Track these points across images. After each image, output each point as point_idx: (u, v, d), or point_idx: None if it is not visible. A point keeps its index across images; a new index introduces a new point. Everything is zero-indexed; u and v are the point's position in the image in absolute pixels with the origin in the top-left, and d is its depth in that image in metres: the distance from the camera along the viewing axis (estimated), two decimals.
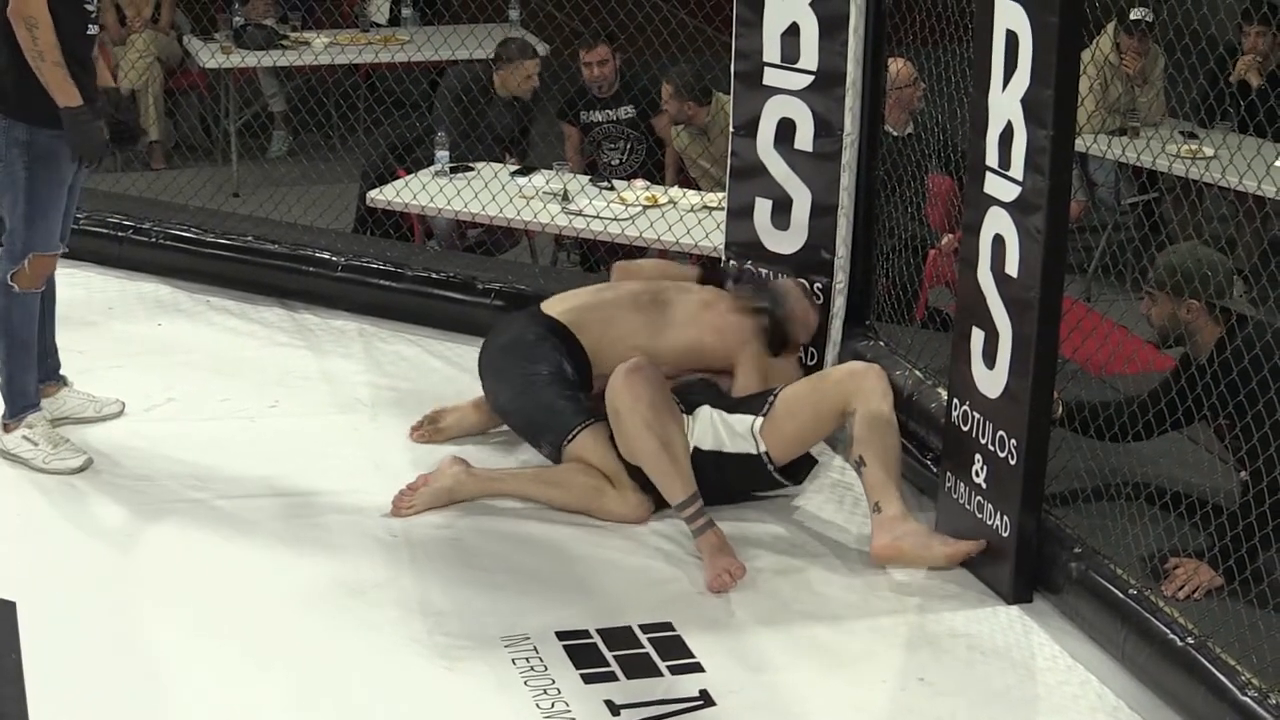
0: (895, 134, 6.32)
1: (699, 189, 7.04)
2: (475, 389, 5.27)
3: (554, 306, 5.19)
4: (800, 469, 4.89)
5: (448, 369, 5.87)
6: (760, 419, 4.78)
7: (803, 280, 5.41)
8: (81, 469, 5.00)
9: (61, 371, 5.38)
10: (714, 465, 4.76)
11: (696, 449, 4.76)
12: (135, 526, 4.71)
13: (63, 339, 5.34)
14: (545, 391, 4.95)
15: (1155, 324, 4.41)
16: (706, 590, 4.46)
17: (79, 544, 4.62)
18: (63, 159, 4.87)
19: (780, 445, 4.78)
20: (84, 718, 3.79)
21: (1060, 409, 4.57)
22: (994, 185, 4.38)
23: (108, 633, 4.16)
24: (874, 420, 4.68)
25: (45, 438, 5.04)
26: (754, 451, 4.78)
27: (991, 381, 4.45)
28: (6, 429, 5.07)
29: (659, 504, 4.80)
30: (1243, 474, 4.16)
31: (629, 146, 7.47)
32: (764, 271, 5.56)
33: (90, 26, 4.91)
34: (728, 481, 4.84)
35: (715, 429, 4.79)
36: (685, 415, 4.81)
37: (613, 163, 7.45)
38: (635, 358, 4.77)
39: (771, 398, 4.81)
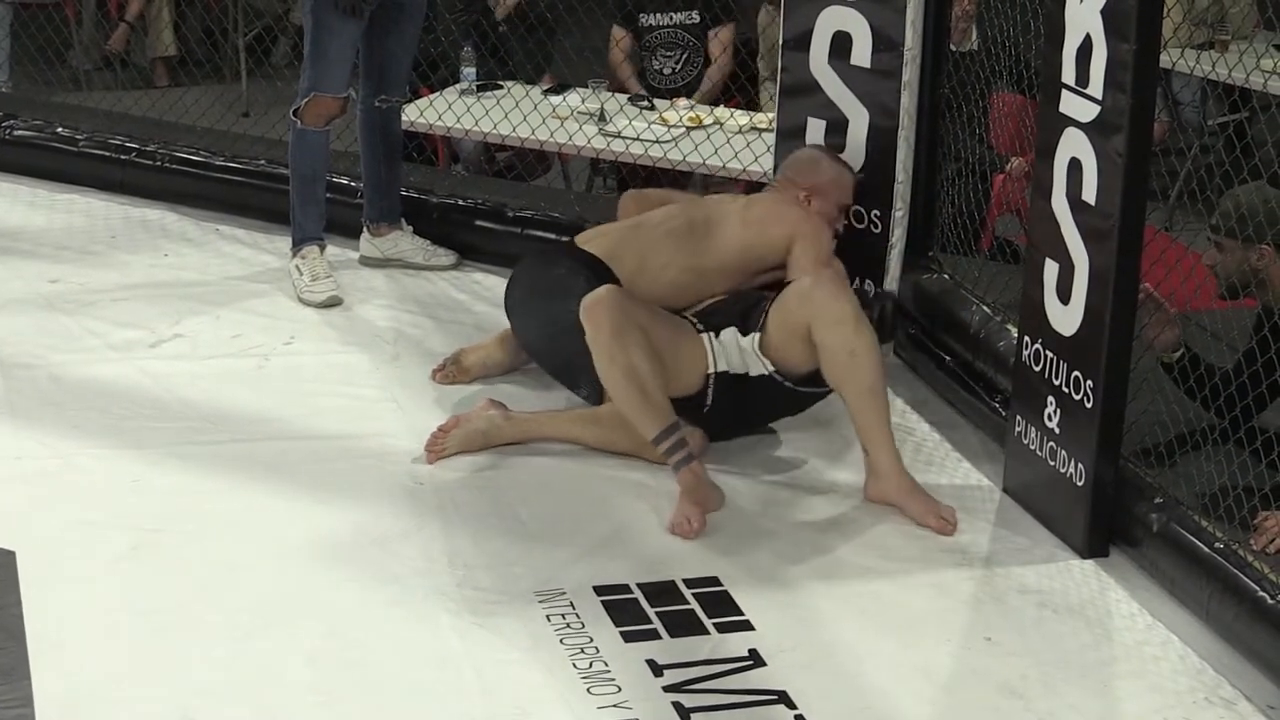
0: (956, 49, 6.26)
1: (754, 101, 7.00)
2: (504, 323, 5.29)
3: (587, 240, 5.19)
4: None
5: (476, 303, 5.88)
6: (757, 335, 4.78)
7: (821, 145, 5.40)
8: (327, 304, 5.74)
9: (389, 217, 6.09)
10: (738, 389, 4.77)
11: (723, 373, 4.77)
12: (142, 470, 4.73)
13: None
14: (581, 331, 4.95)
15: (1223, 275, 4.37)
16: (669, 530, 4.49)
17: (83, 488, 4.64)
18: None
19: (785, 364, 4.76)
20: (87, 673, 3.81)
21: (1181, 352, 4.56)
22: (1070, 104, 4.35)
23: (113, 583, 4.19)
24: (833, 355, 4.62)
25: (309, 270, 5.81)
26: (764, 372, 4.79)
27: (1066, 318, 4.43)
28: (292, 256, 5.90)
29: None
30: None
31: (686, 57, 7.38)
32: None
33: None
34: (757, 408, 4.86)
35: (740, 352, 4.79)
36: (705, 334, 4.80)
37: (664, 71, 7.37)
38: (602, 288, 4.75)
39: (765, 311, 4.80)
